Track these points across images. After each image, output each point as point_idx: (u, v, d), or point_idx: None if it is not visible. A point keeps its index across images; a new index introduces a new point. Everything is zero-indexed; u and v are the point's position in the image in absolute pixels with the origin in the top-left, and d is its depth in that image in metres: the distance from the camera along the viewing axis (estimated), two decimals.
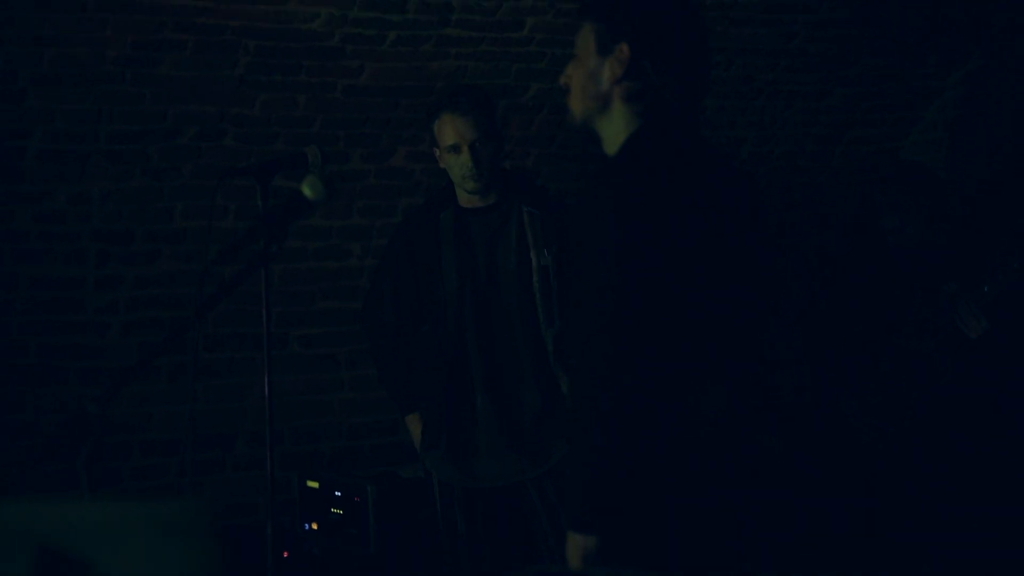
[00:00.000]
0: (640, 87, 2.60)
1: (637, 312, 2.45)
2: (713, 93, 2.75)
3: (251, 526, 4.89)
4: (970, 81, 5.48)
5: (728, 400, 2.55)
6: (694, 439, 2.51)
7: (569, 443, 2.64)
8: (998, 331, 4.15)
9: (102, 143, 4.54)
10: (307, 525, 4.66)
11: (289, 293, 5.09)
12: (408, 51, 4.70)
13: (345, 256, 5.17)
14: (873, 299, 4.42)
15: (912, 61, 5.43)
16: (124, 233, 4.74)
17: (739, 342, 2.61)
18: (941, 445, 4.27)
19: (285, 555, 4.67)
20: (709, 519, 2.54)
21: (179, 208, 4.79)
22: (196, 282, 4.71)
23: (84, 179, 4.59)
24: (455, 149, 3.89)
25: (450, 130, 3.89)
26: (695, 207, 2.54)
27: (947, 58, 5.43)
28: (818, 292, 4.53)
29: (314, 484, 4.66)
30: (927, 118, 5.70)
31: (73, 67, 4.33)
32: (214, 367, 5.00)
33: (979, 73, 5.44)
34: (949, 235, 4.42)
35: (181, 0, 4.25)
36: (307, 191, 2.84)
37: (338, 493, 4.56)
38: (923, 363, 4.29)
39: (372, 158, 5.01)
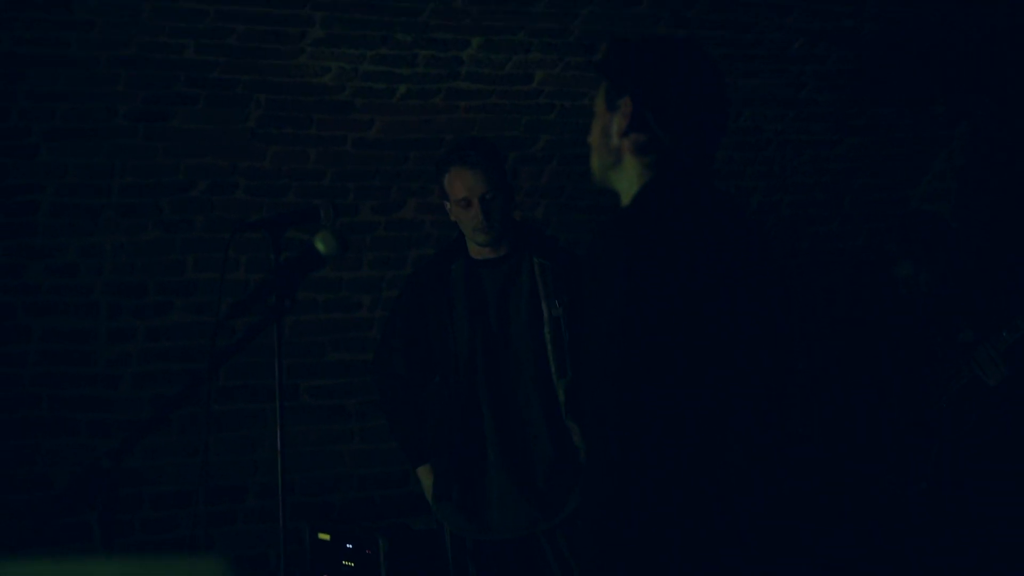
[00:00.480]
0: (647, 139, 2.61)
1: (647, 361, 2.45)
2: (722, 144, 2.76)
3: None
4: (978, 130, 5.50)
5: (740, 449, 2.54)
6: (707, 489, 2.50)
7: (581, 494, 2.62)
8: (1017, 377, 4.14)
9: (114, 197, 4.56)
10: None
11: (299, 345, 5.09)
12: (417, 104, 4.73)
13: (355, 308, 5.18)
14: (886, 348, 4.41)
15: (920, 111, 5.44)
16: (136, 286, 4.75)
17: (751, 392, 2.60)
18: (963, 495, 4.25)
19: None
20: (723, 570, 2.52)
21: (191, 260, 4.80)
22: (207, 334, 4.71)
23: (96, 232, 4.60)
24: (465, 203, 3.89)
25: (460, 184, 3.89)
26: (705, 256, 2.54)
27: (955, 107, 5.45)
28: (830, 341, 4.52)
29: (325, 536, 4.64)
30: (936, 167, 5.71)
31: (86, 122, 4.36)
32: (225, 419, 5.00)
33: (987, 122, 5.45)
34: (962, 283, 4.41)
35: (193, 55, 4.28)
36: (320, 246, 2.84)
37: (349, 545, 4.54)
38: (939, 413, 4.27)
39: (382, 210, 5.03)
